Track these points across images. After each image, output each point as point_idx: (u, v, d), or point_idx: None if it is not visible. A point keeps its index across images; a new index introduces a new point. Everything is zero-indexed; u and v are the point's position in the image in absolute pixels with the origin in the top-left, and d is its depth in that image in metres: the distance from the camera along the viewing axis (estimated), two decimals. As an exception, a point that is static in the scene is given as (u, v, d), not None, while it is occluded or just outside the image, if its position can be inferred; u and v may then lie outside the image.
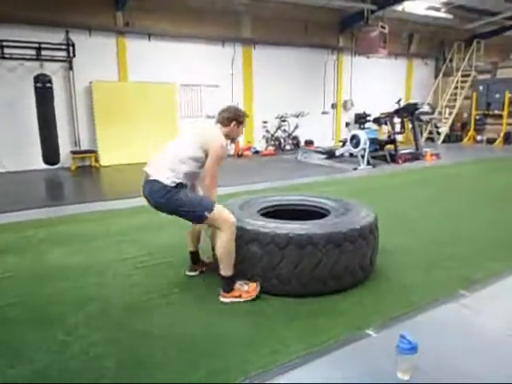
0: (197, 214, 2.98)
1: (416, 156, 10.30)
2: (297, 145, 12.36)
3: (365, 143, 8.92)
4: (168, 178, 3.00)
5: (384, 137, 11.15)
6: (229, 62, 11.82)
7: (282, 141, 12.61)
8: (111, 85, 10.16)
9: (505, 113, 13.99)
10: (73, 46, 9.49)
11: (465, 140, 14.97)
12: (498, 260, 3.77)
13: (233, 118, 3.25)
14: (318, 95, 13.76)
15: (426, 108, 15.71)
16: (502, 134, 14.08)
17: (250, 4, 11.64)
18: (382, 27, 12.23)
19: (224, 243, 2.96)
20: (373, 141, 9.46)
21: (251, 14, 11.89)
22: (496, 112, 14.45)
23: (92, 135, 10.14)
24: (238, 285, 3.06)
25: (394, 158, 9.86)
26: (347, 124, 9.36)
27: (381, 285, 3.31)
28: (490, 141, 14.44)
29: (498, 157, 11.59)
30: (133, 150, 10.29)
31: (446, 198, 6.27)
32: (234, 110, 3.35)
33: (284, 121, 12.56)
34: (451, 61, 15.96)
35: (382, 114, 10.25)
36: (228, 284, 3.04)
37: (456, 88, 15.32)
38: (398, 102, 11.60)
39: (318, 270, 3.00)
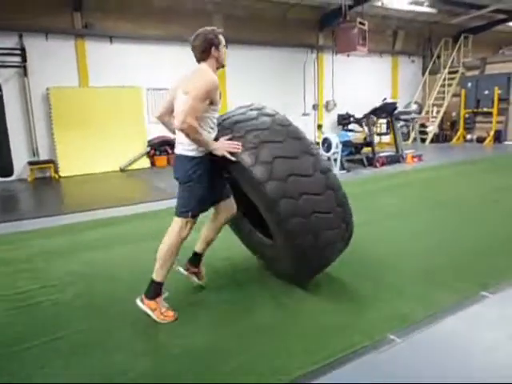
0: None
1: (396, 159, 9.68)
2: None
3: (336, 147, 8.31)
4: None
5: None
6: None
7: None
8: (71, 91, 9.61)
9: (494, 110, 13.35)
10: (23, 50, 8.92)
11: (454, 139, 14.31)
12: (446, 289, 3.16)
13: (209, 45, 2.76)
14: (298, 96, 13.16)
15: (413, 107, 15.24)
16: (491, 133, 13.42)
17: (220, 2, 11.09)
18: (361, 24, 11.60)
19: (166, 248, 2.79)
20: (346, 144, 8.85)
21: (223, 12, 11.33)
22: (485, 110, 13.80)
23: (51, 145, 9.58)
24: (161, 298, 2.83)
25: (371, 162, 9.25)
26: (319, 126, 8.75)
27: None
28: (480, 140, 13.79)
29: (485, 157, 10.94)
30: (96, 158, 9.78)
31: (412, 210, 5.62)
32: (203, 35, 2.78)
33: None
34: (439, 57, 15.35)
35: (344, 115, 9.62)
36: (154, 290, 2.82)
37: (443, 86, 14.68)
38: (383, 101, 11.03)
39: None
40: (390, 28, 14.72)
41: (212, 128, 2.81)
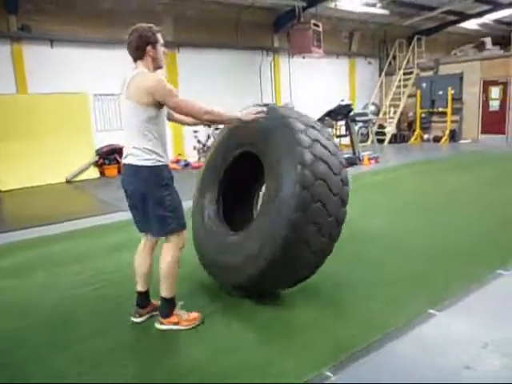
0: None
1: (353, 161, 9.51)
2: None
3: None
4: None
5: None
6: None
7: (217, 150, 11.63)
8: (7, 98, 8.92)
9: (448, 110, 13.55)
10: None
11: (412, 139, 14.45)
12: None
13: (144, 43, 2.57)
14: (255, 99, 12.85)
15: (371, 108, 15.30)
16: (447, 132, 13.62)
17: (169, 3, 10.67)
18: (315, 25, 11.49)
19: (172, 263, 2.68)
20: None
21: (172, 14, 10.92)
22: (441, 109, 14.01)
23: (-12, 156, 8.86)
24: (177, 310, 2.76)
25: (328, 165, 9.05)
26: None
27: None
28: (437, 139, 13.97)
29: (440, 156, 11.02)
30: (40, 170, 9.12)
31: (364, 215, 5.43)
32: (139, 31, 2.59)
33: (217, 129, 11.59)
34: (394, 59, 15.49)
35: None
36: (168, 307, 2.73)
37: (399, 87, 14.81)
38: (340, 103, 10.90)
39: None
40: (345, 30, 14.72)
41: (156, 137, 2.60)
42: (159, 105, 2.53)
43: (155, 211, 2.60)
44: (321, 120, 9.26)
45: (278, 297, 3.12)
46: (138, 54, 2.59)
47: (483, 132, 13.62)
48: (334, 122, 11.72)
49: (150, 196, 2.58)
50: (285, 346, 2.51)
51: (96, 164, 10.04)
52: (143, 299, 2.86)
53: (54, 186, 9.02)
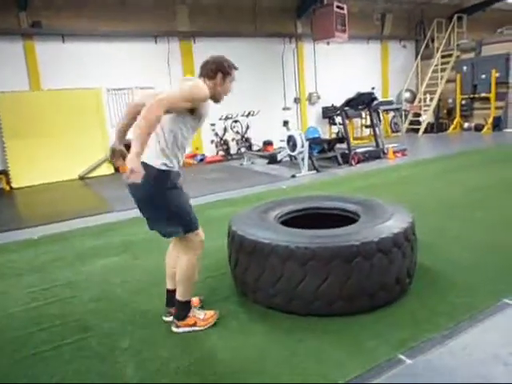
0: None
1: (376, 154, 8.78)
2: (249, 147, 10.94)
3: (302, 145, 7.46)
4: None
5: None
6: (164, 60, 10.46)
7: (235, 144, 11.20)
8: (20, 95, 8.93)
9: (492, 95, 12.26)
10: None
11: (451, 129, 13.27)
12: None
13: (217, 69, 2.57)
14: (277, 90, 12.28)
15: (405, 95, 14.23)
16: (489, 120, 12.35)
17: (183, -8, 10.28)
18: (339, 7, 10.67)
19: (189, 266, 2.60)
20: (315, 141, 7.99)
21: (187, 3, 10.51)
22: (483, 95, 12.71)
23: (2, 154, 8.94)
24: (192, 312, 2.68)
25: (347, 159, 8.37)
26: (285, 123, 7.92)
27: None
28: (478, 128, 12.72)
29: (478, 148, 9.89)
30: (53, 167, 9.11)
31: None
32: (218, 58, 2.65)
33: (236, 121, 11.15)
34: (432, 41, 14.26)
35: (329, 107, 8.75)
36: (184, 310, 2.66)
37: (436, 71, 13.61)
38: (372, 90, 10.17)
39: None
40: (376, 11, 13.68)
41: (179, 148, 2.51)
42: (192, 109, 2.45)
43: (162, 213, 2.55)
44: (340, 110, 8.58)
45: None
46: (209, 74, 2.56)
47: (532, 119, 12.23)
48: (361, 112, 10.93)
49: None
50: None
51: (110, 160, 9.88)
52: (172, 297, 2.76)
53: (65, 183, 8.98)
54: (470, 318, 2.51)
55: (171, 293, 2.77)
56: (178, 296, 2.65)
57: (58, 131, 9.24)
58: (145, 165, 2.28)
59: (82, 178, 9.32)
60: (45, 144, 9.08)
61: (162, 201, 2.47)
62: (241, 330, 2.63)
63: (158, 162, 2.42)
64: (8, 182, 8.82)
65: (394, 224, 2.76)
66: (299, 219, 3.41)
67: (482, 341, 2.31)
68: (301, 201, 3.65)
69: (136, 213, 5.69)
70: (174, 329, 2.66)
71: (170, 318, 2.74)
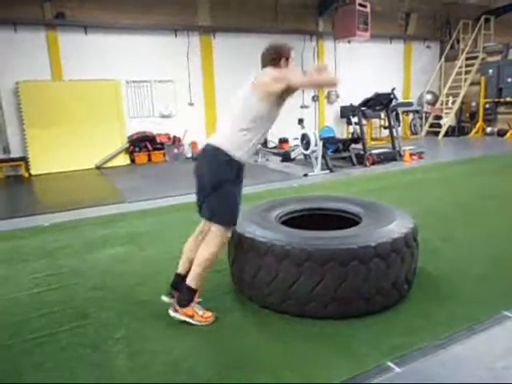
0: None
1: (391, 156, 8.64)
2: (265, 144, 10.91)
3: (316, 144, 7.40)
4: None
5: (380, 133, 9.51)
6: (184, 54, 10.51)
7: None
8: (42, 85, 9.11)
9: (517, 100, 11.93)
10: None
11: (472, 133, 12.97)
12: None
13: (279, 55, 2.71)
14: (296, 87, 12.18)
15: (427, 97, 13.95)
16: (513, 125, 12.02)
17: (206, -13, 10.29)
18: (362, 5, 10.51)
19: (211, 257, 2.64)
20: (329, 140, 7.92)
21: (209, -2, 10.52)
22: (508, 99, 12.37)
23: (23, 142, 9.15)
24: (194, 304, 2.71)
25: (362, 160, 8.28)
26: (300, 121, 7.87)
27: None
28: (502, 133, 12.40)
29: (499, 154, 9.61)
30: (71, 156, 9.31)
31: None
32: (276, 45, 2.77)
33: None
34: (458, 42, 13.93)
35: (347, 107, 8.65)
36: (188, 296, 2.68)
37: (460, 73, 13.29)
38: (392, 91, 9.98)
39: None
40: (401, 10, 13.43)
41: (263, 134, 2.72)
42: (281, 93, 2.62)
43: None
44: (357, 110, 8.47)
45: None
46: (273, 62, 2.69)
47: (559, 126, 11.84)
48: (380, 113, 10.75)
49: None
50: None
51: (127, 151, 10.04)
52: (179, 282, 2.80)
53: (82, 172, 9.15)
54: (467, 328, 2.45)
55: (179, 277, 2.81)
56: (189, 281, 2.67)
57: (77, 121, 9.41)
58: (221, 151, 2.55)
59: (98, 167, 9.48)
60: (64, 133, 9.27)
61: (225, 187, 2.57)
62: (233, 327, 2.63)
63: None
64: (27, 169, 9.04)
65: (394, 229, 2.72)
66: (301, 219, 3.39)
67: (475, 353, 2.26)
68: (304, 201, 3.62)
69: (145, 204, 5.81)
70: (172, 313, 2.69)
71: (168, 300, 2.78)
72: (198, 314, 2.68)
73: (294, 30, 11.72)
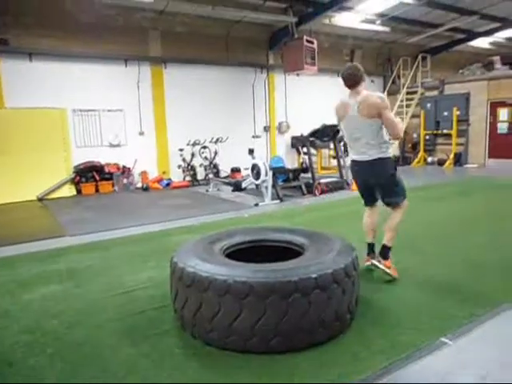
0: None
1: (340, 185, 8.91)
2: (217, 174, 10.92)
3: (266, 174, 7.49)
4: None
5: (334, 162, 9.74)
6: (134, 84, 10.45)
7: (204, 170, 11.16)
8: (-20, 112, 8.69)
9: (453, 132, 12.78)
10: None
11: (415, 162, 13.69)
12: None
13: (362, 77, 3.57)
14: (247, 118, 12.43)
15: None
16: (451, 155, 12.82)
17: (156, 18, 10.38)
18: (309, 42, 11.01)
19: (398, 221, 3.74)
20: (279, 170, 8.05)
21: (160, 29, 10.62)
22: (445, 131, 13.24)
23: (-43, 171, 8.59)
24: (390, 260, 3.74)
25: (311, 189, 8.45)
26: (250, 151, 7.97)
27: None
28: (441, 162, 13.18)
29: (440, 182, 10.20)
30: (10, 187, 8.82)
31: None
32: (357, 68, 3.60)
33: (205, 147, 11.15)
34: (399, 77, 14.86)
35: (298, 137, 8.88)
36: (387, 252, 3.74)
37: (402, 106, 14.13)
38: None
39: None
40: (346, 47, 14.21)
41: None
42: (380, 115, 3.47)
43: (392, 187, 3.71)
44: (305, 140, 8.71)
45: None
46: (356, 82, 3.55)
47: (491, 156, 12.77)
48: (329, 143, 11.11)
49: (387, 178, 3.66)
50: None
51: (73, 181, 9.67)
52: (370, 249, 3.92)
53: (22, 204, 8.66)
54: (406, 357, 2.49)
55: (370, 245, 3.92)
56: (386, 241, 3.73)
57: (19, 150, 9.02)
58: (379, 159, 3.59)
59: (40, 199, 9.03)
60: (5, 163, 8.82)
61: (393, 178, 3.71)
62: (174, 367, 2.51)
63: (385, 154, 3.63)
64: (-39, 201, 8.45)
65: (335, 259, 2.75)
66: (246, 251, 3.36)
67: (411, 380, 2.29)
68: (251, 232, 3.61)
69: (89, 238, 5.54)
70: (376, 262, 3.75)
71: (369, 262, 3.84)
72: (392, 268, 3.69)
73: (245, 62, 12.03)
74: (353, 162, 3.80)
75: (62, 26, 9.43)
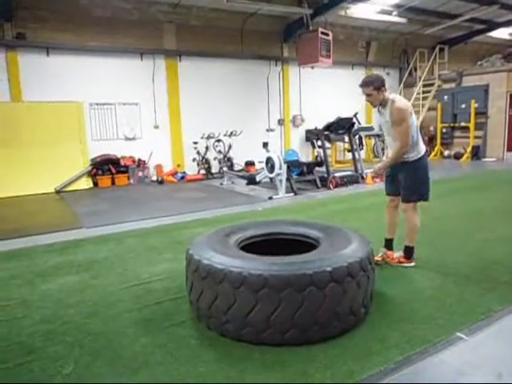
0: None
1: (354, 179, 8.84)
2: (231, 167, 10.94)
3: (280, 167, 7.48)
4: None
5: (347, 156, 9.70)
6: (149, 77, 10.50)
7: (218, 163, 11.19)
8: (1, 106, 8.84)
9: (471, 125, 12.55)
10: None
11: (431, 156, 13.48)
12: None
13: (382, 84, 3.68)
14: (261, 111, 12.40)
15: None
16: (468, 149, 12.60)
17: (171, 12, 10.38)
18: (324, 34, 10.88)
19: (416, 221, 3.85)
20: (293, 164, 8.02)
21: (175, 22, 10.62)
22: (463, 124, 13.00)
23: (-21, 164, 8.78)
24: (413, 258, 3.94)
25: (325, 183, 8.41)
26: (264, 144, 7.96)
27: None
28: (458, 156, 12.96)
29: (456, 176, 10.04)
30: (29, 179, 8.98)
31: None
32: (378, 76, 3.76)
33: (219, 141, 11.16)
34: (416, 70, 14.62)
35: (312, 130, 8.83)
36: (410, 252, 3.91)
37: (418, 99, 13.91)
38: (355, 115, 10.27)
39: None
40: (362, 39, 14.02)
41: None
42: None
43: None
44: (319, 134, 8.66)
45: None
46: (382, 86, 3.67)
47: (510, 150, 12.51)
48: (344, 136, 11.04)
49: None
50: None
51: (89, 174, 9.80)
52: (388, 244, 4.03)
53: (40, 196, 8.81)
54: (420, 352, 2.48)
55: (387, 241, 4.03)
56: (408, 242, 3.89)
57: (37, 143, 9.16)
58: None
59: (58, 191, 9.18)
60: (22, 156, 8.99)
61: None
62: (190, 357, 2.55)
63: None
64: (-19, 193, 8.63)
65: (350, 253, 2.74)
66: (261, 244, 3.37)
67: (424, 377, 2.27)
68: (265, 225, 3.62)
69: (105, 230, 5.62)
70: (404, 264, 3.90)
71: (380, 258, 3.95)
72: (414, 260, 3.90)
73: (260, 55, 11.98)
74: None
75: (78, 20, 9.52)
